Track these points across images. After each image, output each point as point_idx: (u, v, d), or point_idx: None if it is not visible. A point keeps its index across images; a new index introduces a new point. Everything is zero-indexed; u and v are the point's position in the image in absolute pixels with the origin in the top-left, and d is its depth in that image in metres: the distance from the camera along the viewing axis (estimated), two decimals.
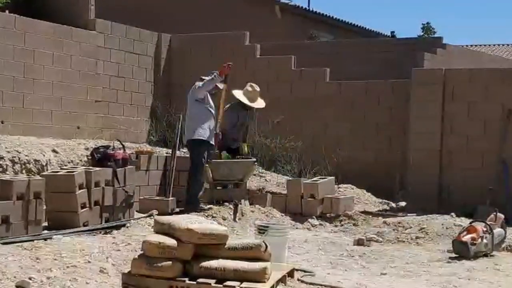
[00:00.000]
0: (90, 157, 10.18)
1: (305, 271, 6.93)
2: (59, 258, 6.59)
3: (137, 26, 14.31)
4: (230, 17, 18.66)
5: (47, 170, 10.09)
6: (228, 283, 5.40)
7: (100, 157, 9.65)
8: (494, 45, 31.09)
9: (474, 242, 8.19)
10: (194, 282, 5.45)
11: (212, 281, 5.42)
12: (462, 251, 8.20)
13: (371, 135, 13.17)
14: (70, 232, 8.22)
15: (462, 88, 12.11)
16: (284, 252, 7.03)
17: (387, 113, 13.05)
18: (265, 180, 12.47)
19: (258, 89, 10.81)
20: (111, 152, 9.68)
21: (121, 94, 13.76)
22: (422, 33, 28.18)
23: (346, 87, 13.58)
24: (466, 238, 8.24)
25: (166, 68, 14.76)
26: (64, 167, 9.75)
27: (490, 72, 12.39)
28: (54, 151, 10.91)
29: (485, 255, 8.29)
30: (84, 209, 8.87)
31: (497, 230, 8.62)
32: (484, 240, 8.29)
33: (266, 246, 5.74)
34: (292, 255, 7.80)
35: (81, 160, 10.99)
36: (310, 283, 6.45)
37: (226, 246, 5.68)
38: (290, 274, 6.36)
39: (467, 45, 25.56)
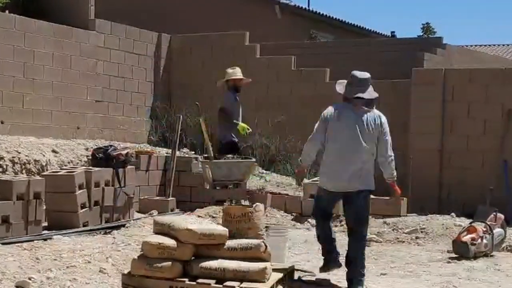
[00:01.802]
0: (90, 157, 10.19)
1: (305, 271, 6.93)
2: (59, 258, 6.60)
3: (137, 26, 14.31)
4: (230, 17, 18.66)
5: (47, 170, 10.09)
6: (228, 283, 5.40)
7: (101, 157, 9.65)
8: (494, 45, 31.06)
9: (474, 242, 8.19)
10: (194, 283, 5.45)
11: (212, 282, 5.42)
12: (462, 251, 8.20)
13: None
14: (70, 232, 8.23)
15: (462, 88, 12.10)
16: (284, 252, 7.03)
17: (387, 113, 12.89)
18: (265, 180, 12.46)
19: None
20: (112, 152, 9.68)
21: (121, 94, 13.76)
22: (422, 33, 28.16)
23: None
24: (466, 238, 8.24)
25: (166, 68, 14.74)
26: (64, 167, 9.75)
27: (490, 72, 12.37)
28: (54, 151, 10.90)
29: (485, 255, 8.29)
30: (84, 209, 8.87)
31: (497, 230, 8.62)
32: (484, 240, 8.29)
33: (266, 246, 5.73)
34: (292, 255, 7.80)
35: (81, 160, 10.99)
36: (310, 283, 6.44)
37: (225, 246, 5.69)
38: (290, 274, 6.35)
39: (467, 45, 25.53)
